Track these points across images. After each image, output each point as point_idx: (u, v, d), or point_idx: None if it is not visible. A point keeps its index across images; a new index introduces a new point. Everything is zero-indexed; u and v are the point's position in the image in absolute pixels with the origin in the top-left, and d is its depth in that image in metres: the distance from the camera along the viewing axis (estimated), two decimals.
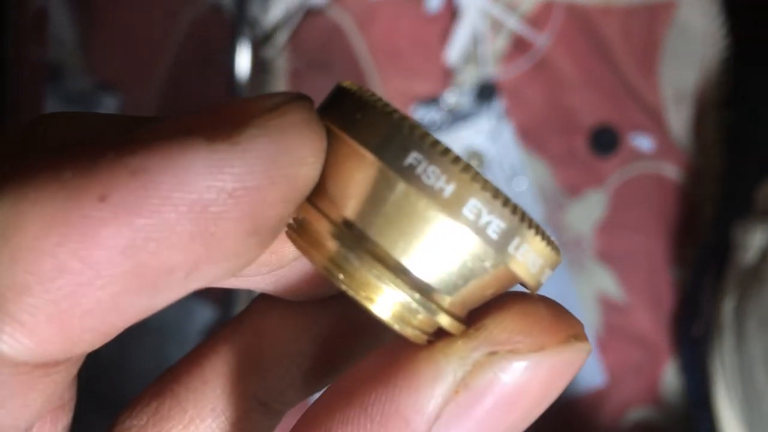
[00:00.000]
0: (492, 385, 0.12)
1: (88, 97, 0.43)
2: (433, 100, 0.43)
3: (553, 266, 0.13)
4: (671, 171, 0.44)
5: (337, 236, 0.12)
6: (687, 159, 0.44)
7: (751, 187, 0.41)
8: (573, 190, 0.44)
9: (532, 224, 0.12)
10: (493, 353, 0.12)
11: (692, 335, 0.42)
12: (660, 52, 0.44)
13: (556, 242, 0.13)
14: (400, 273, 0.12)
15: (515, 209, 0.12)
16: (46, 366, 0.11)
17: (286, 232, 0.13)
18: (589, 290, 0.44)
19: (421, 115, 0.43)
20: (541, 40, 0.43)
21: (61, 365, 0.12)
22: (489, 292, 0.13)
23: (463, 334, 0.12)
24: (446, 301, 0.12)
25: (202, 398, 0.15)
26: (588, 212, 0.44)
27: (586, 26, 0.44)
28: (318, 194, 0.12)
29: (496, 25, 0.43)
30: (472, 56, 0.44)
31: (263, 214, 0.11)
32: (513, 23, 0.43)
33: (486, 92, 0.43)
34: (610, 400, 0.43)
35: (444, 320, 0.12)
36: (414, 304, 0.12)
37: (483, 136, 0.43)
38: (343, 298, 0.15)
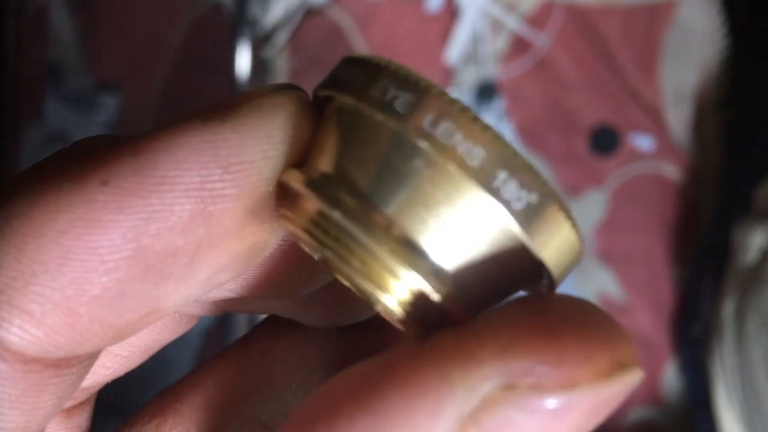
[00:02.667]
0: (509, 427, 0.09)
1: (88, 97, 0.43)
2: None
3: (578, 260, 0.11)
4: (671, 171, 0.44)
5: (337, 203, 0.11)
6: (687, 159, 0.44)
7: (751, 187, 0.41)
8: (573, 190, 0.44)
9: (563, 205, 0.10)
10: (510, 387, 0.09)
11: (692, 335, 0.42)
12: (660, 52, 0.44)
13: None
14: (413, 251, 0.10)
15: (547, 184, 0.10)
16: (57, 365, 0.11)
17: (277, 212, 0.12)
18: (589, 290, 0.43)
19: None
20: (541, 40, 0.43)
21: (72, 365, 0.12)
22: (508, 284, 0.11)
23: (473, 341, 0.10)
24: (454, 288, 0.11)
25: (205, 418, 0.14)
26: (588, 212, 0.44)
27: (586, 26, 0.44)
28: (315, 167, 0.11)
29: (496, 25, 0.43)
30: (472, 56, 0.44)
31: (259, 189, 0.11)
32: (513, 23, 0.43)
33: (486, 92, 0.43)
34: None
35: (449, 305, 0.10)
36: (419, 287, 0.10)
37: None
38: (355, 325, 0.15)
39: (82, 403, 0.14)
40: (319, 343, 0.15)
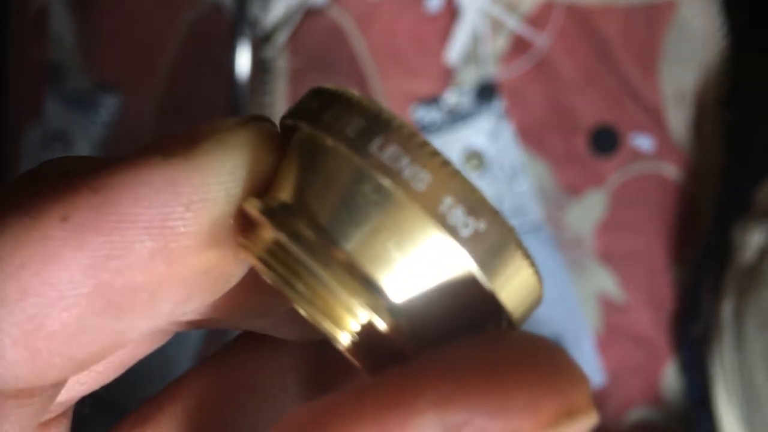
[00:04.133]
0: None
1: (88, 97, 0.43)
2: (433, 100, 0.43)
3: (538, 296, 0.11)
4: (671, 171, 0.44)
5: (295, 235, 0.10)
6: (687, 159, 0.44)
7: (751, 187, 0.41)
8: (573, 190, 0.44)
9: (516, 241, 0.10)
10: None
11: (692, 335, 0.42)
12: (660, 52, 0.44)
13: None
14: (369, 288, 0.10)
15: (496, 214, 0.10)
16: (18, 396, 0.11)
17: (236, 240, 0.12)
18: (589, 290, 0.44)
19: (421, 115, 0.43)
20: (541, 40, 0.43)
21: (34, 395, 0.12)
22: (465, 320, 0.11)
23: (414, 387, 0.09)
24: (409, 325, 0.10)
25: (184, 429, 0.14)
26: (588, 212, 0.44)
27: (586, 26, 0.44)
28: (275, 197, 0.11)
29: (496, 25, 0.43)
30: (472, 56, 0.44)
31: (221, 225, 0.11)
32: (513, 23, 0.43)
33: (486, 92, 0.43)
34: (610, 400, 0.43)
35: (396, 338, 0.10)
36: (374, 324, 0.10)
37: (483, 136, 0.43)
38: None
39: (58, 417, 0.14)
40: (296, 354, 0.15)
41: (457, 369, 0.09)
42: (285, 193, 0.11)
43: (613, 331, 0.43)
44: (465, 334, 0.11)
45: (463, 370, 0.09)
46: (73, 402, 0.14)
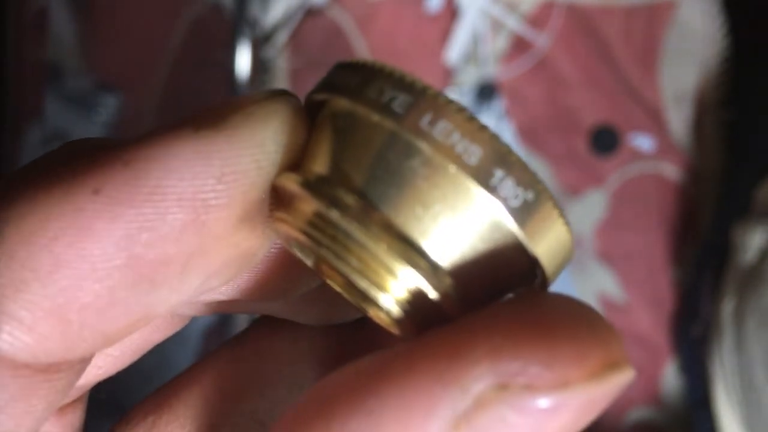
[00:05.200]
0: (502, 426, 0.09)
1: (88, 97, 0.43)
2: None
3: (570, 259, 0.11)
4: (671, 171, 0.44)
5: (334, 202, 0.11)
6: (687, 159, 0.44)
7: (751, 187, 0.41)
8: (573, 190, 0.44)
9: (557, 204, 0.11)
10: (502, 387, 0.09)
11: (692, 335, 0.42)
12: (660, 52, 0.44)
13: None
14: (411, 249, 0.10)
15: (542, 184, 0.10)
16: (47, 370, 0.11)
17: (272, 215, 0.12)
18: (589, 290, 0.44)
19: None
20: (541, 40, 0.43)
21: (62, 370, 0.12)
22: (503, 281, 0.11)
23: (466, 340, 0.10)
24: (449, 282, 0.11)
25: (200, 415, 0.14)
26: (588, 212, 0.44)
27: (586, 26, 0.44)
28: (310, 170, 0.11)
29: (496, 25, 0.43)
30: (472, 56, 0.44)
31: (252, 198, 0.11)
32: (513, 23, 0.43)
33: (486, 92, 0.43)
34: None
35: (443, 300, 0.10)
36: (417, 285, 0.10)
37: None
38: (349, 323, 0.15)
39: (74, 402, 0.14)
40: (313, 340, 0.15)
41: (507, 323, 0.10)
42: (320, 167, 0.11)
43: None
44: (502, 292, 0.11)
45: (513, 324, 0.10)
46: (89, 387, 0.14)
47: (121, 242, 0.11)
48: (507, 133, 0.43)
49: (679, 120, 0.44)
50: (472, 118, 0.10)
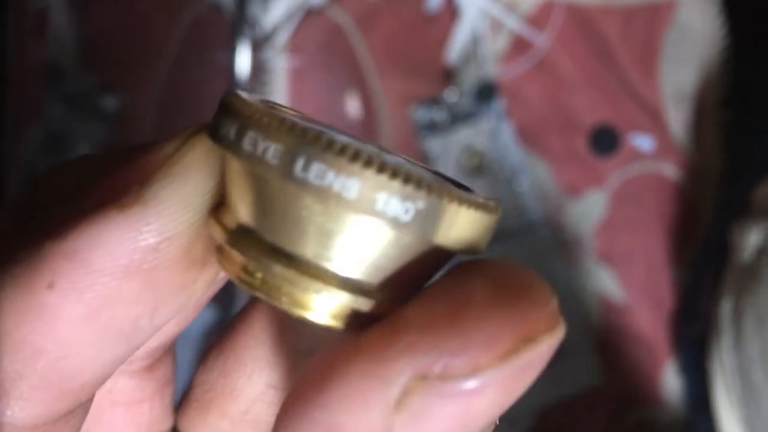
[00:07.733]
0: (432, 410, 0.10)
1: (88, 97, 0.43)
2: (433, 100, 0.43)
3: (490, 226, 0.12)
4: (671, 171, 0.44)
5: (250, 248, 0.12)
6: (687, 159, 0.44)
7: (751, 187, 0.41)
8: (573, 190, 0.44)
9: (452, 196, 0.11)
10: (422, 377, 0.10)
11: (692, 335, 0.42)
12: (660, 52, 0.44)
13: (487, 199, 0.12)
14: (321, 274, 0.11)
15: (430, 187, 0.11)
16: (46, 424, 0.13)
17: (216, 257, 0.13)
18: (589, 290, 0.44)
19: (421, 115, 0.43)
20: (541, 40, 0.43)
21: (66, 416, 0.13)
22: (426, 269, 0.12)
23: (387, 338, 0.11)
24: (375, 288, 0.12)
25: (256, 353, 0.16)
26: (588, 212, 0.44)
27: (586, 26, 0.44)
28: (232, 215, 0.12)
29: (496, 25, 0.43)
30: (472, 56, 0.44)
31: (195, 246, 0.12)
32: (513, 23, 0.43)
33: (486, 92, 0.43)
34: (610, 400, 0.43)
35: (365, 305, 0.11)
36: (333, 297, 0.11)
37: (483, 136, 0.43)
38: None
39: (161, 357, 0.16)
40: None
41: (421, 318, 0.11)
42: (237, 212, 0.12)
43: (613, 331, 0.43)
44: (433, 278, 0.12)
45: (428, 317, 0.10)
46: (170, 341, 0.16)
47: (88, 321, 0.12)
48: (507, 133, 0.43)
49: (678, 120, 0.44)
50: (343, 149, 0.11)
